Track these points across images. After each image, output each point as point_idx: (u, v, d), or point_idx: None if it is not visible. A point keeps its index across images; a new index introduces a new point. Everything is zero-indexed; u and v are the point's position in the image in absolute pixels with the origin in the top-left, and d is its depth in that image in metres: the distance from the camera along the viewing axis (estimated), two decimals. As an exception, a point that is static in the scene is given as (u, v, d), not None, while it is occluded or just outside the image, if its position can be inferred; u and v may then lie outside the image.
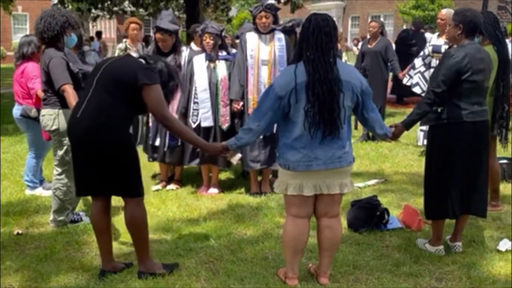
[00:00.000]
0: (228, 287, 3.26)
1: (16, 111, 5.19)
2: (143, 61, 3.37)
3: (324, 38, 3.08)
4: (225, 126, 5.26)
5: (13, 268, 3.56)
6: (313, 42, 3.07)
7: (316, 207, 3.30)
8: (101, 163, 3.23)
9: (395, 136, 3.67)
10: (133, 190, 3.34)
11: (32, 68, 4.96)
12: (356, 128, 7.93)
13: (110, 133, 3.21)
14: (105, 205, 3.44)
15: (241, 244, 3.97)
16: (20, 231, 4.24)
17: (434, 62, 6.32)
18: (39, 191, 5.28)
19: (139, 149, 5.83)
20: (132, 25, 6.53)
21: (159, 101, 3.26)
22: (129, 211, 3.36)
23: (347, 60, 10.84)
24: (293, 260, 3.30)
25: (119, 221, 4.19)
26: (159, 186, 5.55)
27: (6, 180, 5.80)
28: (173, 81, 3.44)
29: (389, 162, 6.76)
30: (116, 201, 3.55)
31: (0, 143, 7.50)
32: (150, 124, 5.59)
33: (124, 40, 6.76)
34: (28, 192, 5.31)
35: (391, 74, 8.55)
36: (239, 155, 4.99)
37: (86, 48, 6.47)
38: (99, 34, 20.36)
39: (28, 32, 22.90)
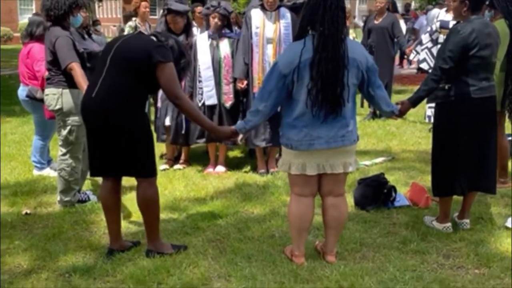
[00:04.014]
0: (235, 265, 3.27)
1: (22, 92, 5.19)
2: (154, 38, 3.33)
3: (340, 13, 3.02)
4: (228, 104, 5.24)
5: (22, 247, 3.59)
6: (329, 17, 2.98)
7: (320, 186, 3.29)
8: (116, 143, 3.20)
9: (401, 113, 3.63)
10: (147, 170, 3.33)
11: (38, 50, 4.93)
12: (362, 106, 7.89)
13: (125, 113, 3.18)
14: (116, 184, 3.43)
15: (248, 223, 3.98)
16: (28, 211, 4.27)
17: (442, 38, 6.21)
18: (47, 172, 5.30)
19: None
20: (144, 3, 6.51)
21: (172, 80, 3.22)
22: (142, 191, 3.35)
23: (355, 37, 10.72)
24: (299, 238, 3.30)
25: (128, 200, 4.22)
26: (166, 166, 5.56)
27: (14, 161, 5.84)
28: (184, 58, 3.41)
29: (397, 140, 6.73)
30: (125, 180, 3.55)
31: (0, 125, 7.51)
32: (159, 104, 5.57)
33: (134, 18, 6.73)
34: (35, 172, 5.33)
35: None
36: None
37: (95, 36, 6.45)
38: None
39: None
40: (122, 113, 3.18)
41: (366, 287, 2.99)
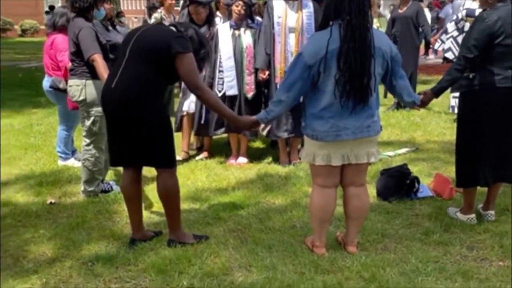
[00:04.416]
0: (256, 255, 3.27)
1: (46, 83, 5.25)
2: (174, 29, 3.34)
3: (365, 1, 2.98)
4: (250, 94, 5.22)
5: (46, 236, 3.65)
6: (356, 6, 2.94)
7: (342, 176, 3.26)
8: (135, 133, 3.22)
9: (423, 104, 3.57)
10: (166, 161, 3.34)
11: (61, 40, 4.98)
12: (385, 96, 7.80)
13: (144, 103, 3.19)
14: (136, 175, 3.46)
15: (269, 213, 3.97)
16: (53, 201, 4.34)
17: (468, 27, 6.11)
18: (71, 162, 5.37)
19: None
20: None
21: (192, 70, 3.22)
22: (162, 181, 3.36)
23: (379, 26, 10.57)
24: (320, 229, 3.29)
25: (150, 191, 4.25)
26: (179, 157, 5.43)
27: (40, 151, 5.93)
28: (204, 48, 3.40)
29: (421, 131, 6.64)
30: (147, 171, 3.58)
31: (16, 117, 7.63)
32: (180, 95, 5.59)
33: (159, 10, 6.77)
34: (60, 163, 5.41)
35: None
36: (268, 126, 4.99)
37: (119, 28, 6.51)
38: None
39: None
40: (141, 104, 3.19)
41: (387, 279, 2.97)
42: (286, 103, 3.18)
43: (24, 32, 32.33)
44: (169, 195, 3.37)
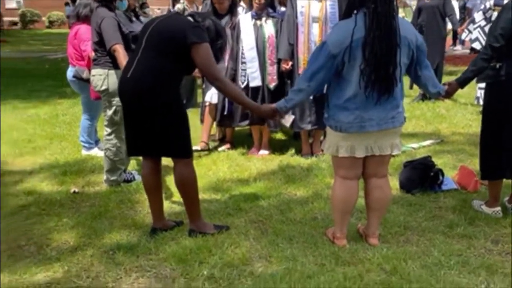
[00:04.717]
0: (276, 246, 3.26)
1: (69, 73, 5.29)
2: (191, 19, 3.32)
3: None
4: (272, 85, 5.18)
5: (69, 224, 3.70)
6: None
7: (365, 168, 3.22)
8: (150, 123, 3.23)
9: (448, 94, 3.51)
10: (181, 151, 3.35)
11: (85, 31, 5.01)
12: (411, 88, 7.68)
13: (158, 93, 3.19)
14: (155, 165, 3.47)
15: (291, 204, 3.95)
16: (76, 190, 4.39)
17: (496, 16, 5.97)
18: (95, 152, 5.42)
19: (195, 111, 5.88)
20: None
21: (208, 60, 3.21)
22: (178, 171, 3.38)
23: (405, 16, 10.42)
24: (342, 221, 3.26)
25: (171, 180, 4.26)
26: (197, 147, 5.35)
27: (65, 141, 6.01)
28: (221, 39, 3.38)
29: (446, 123, 6.53)
30: (168, 161, 3.59)
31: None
32: (204, 86, 5.58)
33: (181, 1, 6.76)
34: (84, 152, 5.46)
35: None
36: (292, 117, 4.95)
37: (143, 19, 6.53)
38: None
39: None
40: (155, 94, 3.19)
41: (409, 271, 2.93)
42: (307, 92, 3.14)
43: (51, 23, 32.80)
44: (186, 184, 3.38)
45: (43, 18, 32.88)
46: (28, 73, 12.51)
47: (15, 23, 32.62)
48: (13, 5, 34.04)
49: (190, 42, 3.15)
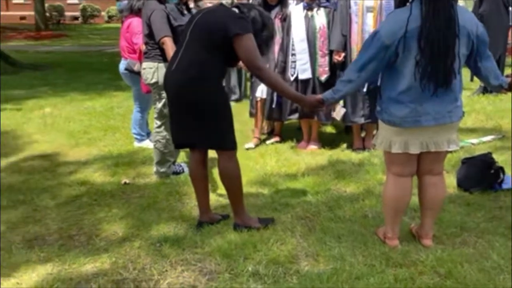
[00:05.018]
0: (323, 244, 3.17)
1: (122, 65, 5.37)
2: (236, 10, 3.28)
3: None
4: (323, 77, 5.05)
5: (119, 215, 3.74)
6: None
7: (419, 164, 3.06)
8: (193, 116, 3.22)
9: (511, 87, 3.28)
10: (224, 143, 3.31)
11: (137, 24, 5.05)
12: (472, 80, 7.35)
13: (202, 86, 3.18)
14: (201, 157, 3.45)
15: (340, 201, 3.84)
16: (127, 181, 4.44)
17: None
18: (146, 143, 5.48)
19: (242, 103, 5.85)
20: None
21: (251, 51, 3.15)
22: (221, 164, 3.35)
23: (466, 5, 10.01)
24: (394, 220, 3.12)
25: (217, 173, 4.24)
26: (251, 145, 5.38)
27: (118, 133, 6.12)
28: (267, 30, 3.31)
29: (508, 117, 6.20)
30: (215, 153, 3.56)
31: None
32: (253, 80, 5.53)
33: None
34: (136, 144, 5.54)
35: None
36: (343, 110, 4.83)
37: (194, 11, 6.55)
38: None
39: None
40: (198, 86, 3.17)
41: (465, 275, 2.77)
42: (356, 84, 3.01)
43: (110, 18, 33.73)
44: (229, 177, 3.35)
45: (103, 13, 33.85)
46: (87, 67, 12.89)
47: (76, 18, 33.75)
48: (75, 0, 35.23)
49: (232, 34, 3.11)
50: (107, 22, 33.07)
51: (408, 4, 2.84)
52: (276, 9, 5.15)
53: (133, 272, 2.95)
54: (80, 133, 6.15)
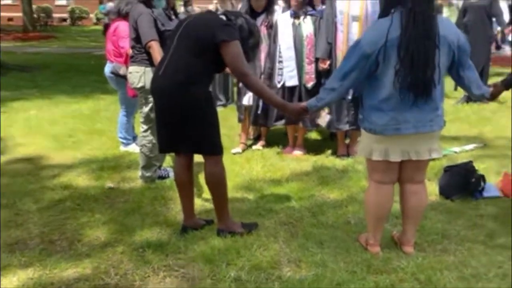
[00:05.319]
0: (306, 250, 3.19)
1: (107, 68, 5.35)
2: (223, 17, 3.31)
3: None
4: (309, 84, 5.09)
5: (102, 220, 3.72)
6: None
7: (401, 172, 3.10)
8: (180, 121, 3.23)
9: (493, 97, 3.32)
10: (210, 148, 3.33)
11: (124, 27, 5.04)
12: (456, 89, 7.45)
13: (188, 91, 3.19)
14: (187, 161, 3.46)
15: (323, 207, 3.87)
16: (111, 185, 4.42)
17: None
18: (132, 148, 5.46)
19: (229, 108, 5.86)
20: None
21: (238, 58, 3.18)
22: (207, 169, 3.36)
23: (450, 15, 10.13)
24: (376, 227, 3.15)
25: (202, 178, 4.24)
26: (238, 149, 5.42)
27: (104, 137, 6.08)
28: (253, 37, 3.34)
29: (491, 126, 6.29)
30: (202, 158, 3.57)
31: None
32: (240, 84, 5.55)
33: (214, 1, 6.78)
34: (122, 148, 5.52)
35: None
36: (328, 117, 4.86)
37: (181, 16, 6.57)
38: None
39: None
40: (185, 92, 3.19)
41: (444, 283, 2.81)
42: (339, 92, 3.04)
43: (98, 20, 33.56)
44: (215, 182, 3.36)
45: (91, 15, 33.70)
46: (75, 69, 12.81)
47: (64, 20, 33.57)
48: (63, 1, 35.07)
49: (219, 40, 3.14)
50: (95, 24, 32.91)
51: (390, 14, 2.88)
52: (262, 17, 5.18)
53: (115, 278, 2.94)
54: (66, 136, 6.11)
